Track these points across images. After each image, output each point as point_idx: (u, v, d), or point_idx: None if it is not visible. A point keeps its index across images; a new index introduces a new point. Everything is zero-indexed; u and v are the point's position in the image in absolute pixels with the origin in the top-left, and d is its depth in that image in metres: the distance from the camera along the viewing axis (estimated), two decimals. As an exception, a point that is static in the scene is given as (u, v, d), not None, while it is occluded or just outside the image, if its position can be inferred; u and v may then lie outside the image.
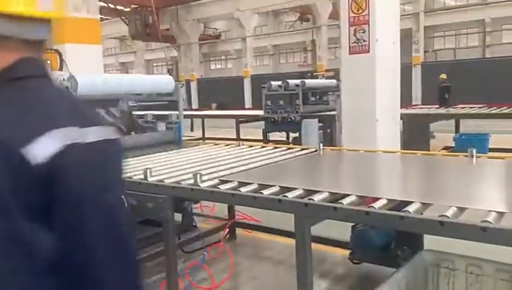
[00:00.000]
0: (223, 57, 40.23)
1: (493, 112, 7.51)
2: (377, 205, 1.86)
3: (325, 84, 9.72)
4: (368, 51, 5.23)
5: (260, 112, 9.44)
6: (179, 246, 4.04)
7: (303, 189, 2.20)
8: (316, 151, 3.63)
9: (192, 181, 2.50)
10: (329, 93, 10.39)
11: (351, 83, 5.43)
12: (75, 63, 8.44)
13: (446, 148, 8.59)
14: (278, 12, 34.69)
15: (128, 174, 2.91)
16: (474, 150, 2.91)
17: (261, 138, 9.77)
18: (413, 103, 17.47)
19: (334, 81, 9.72)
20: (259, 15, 30.13)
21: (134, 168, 3.11)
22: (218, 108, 19.61)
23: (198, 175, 2.47)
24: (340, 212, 1.87)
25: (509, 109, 7.52)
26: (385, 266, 3.26)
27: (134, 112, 4.71)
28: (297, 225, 2.04)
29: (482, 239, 1.55)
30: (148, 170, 2.77)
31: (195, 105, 27.84)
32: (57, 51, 7.63)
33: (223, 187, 2.38)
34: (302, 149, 3.96)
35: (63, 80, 3.74)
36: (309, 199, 2.01)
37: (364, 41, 5.24)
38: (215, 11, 27.18)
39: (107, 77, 4.17)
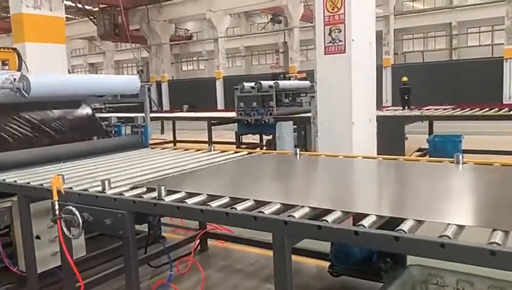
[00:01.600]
0: (195, 58, 39.76)
1: (466, 113, 7.50)
2: (366, 222, 1.63)
3: (299, 86, 9.54)
4: (344, 51, 5.04)
5: (233, 114, 9.16)
6: (145, 260, 3.74)
7: (280, 203, 1.95)
8: (292, 156, 3.40)
9: (155, 194, 2.22)
10: (302, 94, 10.25)
11: (327, 84, 5.23)
12: (37, 62, 7.98)
13: (420, 150, 8.55)
14: (250, 13, 34.53)
15: (85, 186, 2.61)
16: (461, 156, 2.74)
17: (234, 141, 9.53)
18: (383, 105, 17.64)
19: (308, 82, 9.57)
20: (231, 16, 29.84)
21: (92, 178, 2.79)
22: (189, 110, 19.19)
23: (163, 187, 2.19)
24: (325, 231, 1.63)
25: (481, 111, 7.52)
26: (367, 279, 3.06)
27: (96, 115, 4.38)
28: (276, 245, 1.79)
29: (490, 264, 1.33)
30: (106, 181, 2.47)
31: (166, 107, 27.29)
32: (15, 49, 7.16)
33: (190, 201, 2.11)
34: (278, 154, 3.73)
35: (14, 80, 3.38)
36: (289, 216, 1.76)
37: (340, 41, 5.06)
38: (186, 11, 26.77)
39: (65, 77, 3.82)
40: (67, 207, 2.35)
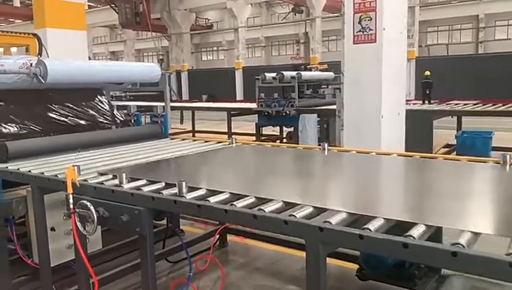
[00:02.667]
0: (215, 48, 39.58)
1: (499, 109, 7.12)
2: (415, 233, 1.42)
3: (322, 77, 9.26)
4: (375, 40, 4.79)
5: (253, 105, 8.96)
6: (163, 255, 3.60)
7: (313, 207, 1.75)
8: (319, 151, 3.20)
9: (175, 190, 2.05)
10: (323, 86, 9.98)
11: (355, 75, 4.98)
12: (58, 49, 7.90)
13: (447, 146, 8.22)
14: (271, 3, 34.11)
15: (101, 179, 2.45)
16: (508, 156, 2.49)
17: (253, 132, 9.35)
18: (407, 98, 17.09)
19: (331, 73, 9.28)
20: (252, 6, 29.49)
21: (110, 170, 2.63)
22: (208, 100, 19.04)
23: (184, 183, 2.02)
24: (368, 242, 1.43)
25: (515, 107, 7.14)
26: (399, 286, 2.85)
27: (113, 103, 4.24)
28: (309, 252, 1.60)
29: (508, 277, 1.13)
30: (124, 175, 2.31)
31: (185, 96, 27.24)
32: (35, 35, 7.09)
33: (213, 200, 1.93)
34: (304, 148, 3.53)
35: (31, 65, 3.24)
36: (324, 222, 1.56)
37: (370, 29, 4.80)
38: (207, 0, 26.54)
39: (83, 63, 3.67)
40: (82, 201, 2.20)
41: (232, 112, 9.44)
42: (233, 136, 3.85)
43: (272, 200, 1.87)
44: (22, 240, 3.35)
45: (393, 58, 4.97)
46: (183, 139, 4.19)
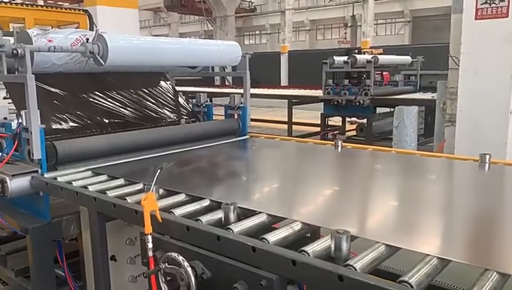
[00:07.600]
0: (257, 32, 38.54)
1: None
2: None
3: (400, 62, 8.16)
4: (507, 15, 3.76)
5: (318, 93, 8.01)
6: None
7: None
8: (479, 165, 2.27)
9: (330, 244, 1.19)
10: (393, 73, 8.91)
11: (476, 59, 3.97)
12: (108, 27, 7.28)
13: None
14: (319, -16, 32.70)
15: (193, 208, 1.65)
16: None
17: (312, 121, 8.43)
18: None
19: (408, 57, 8.18)
20: (299, -13, 28.28)
21: (203, 190, 1.81)
22: (252, 85, 18.11)
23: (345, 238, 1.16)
24: None
25: None
26: None
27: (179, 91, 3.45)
28: None
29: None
30: (231, 207, 1.48)
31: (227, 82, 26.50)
32: (86, 11, 6.47)
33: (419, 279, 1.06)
34: (448, 158, 2.61)
35: (87, 40, 2.47)
36: None
37: (501, 1, 3.76)
38: (253, -19, 25.62)
39: (152, 41, 2.87)
40: (168, 255, 1.39)
41: (293, 100, 8.48)
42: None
43: None
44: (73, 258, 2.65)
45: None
46: (268, 137, 3.36)
